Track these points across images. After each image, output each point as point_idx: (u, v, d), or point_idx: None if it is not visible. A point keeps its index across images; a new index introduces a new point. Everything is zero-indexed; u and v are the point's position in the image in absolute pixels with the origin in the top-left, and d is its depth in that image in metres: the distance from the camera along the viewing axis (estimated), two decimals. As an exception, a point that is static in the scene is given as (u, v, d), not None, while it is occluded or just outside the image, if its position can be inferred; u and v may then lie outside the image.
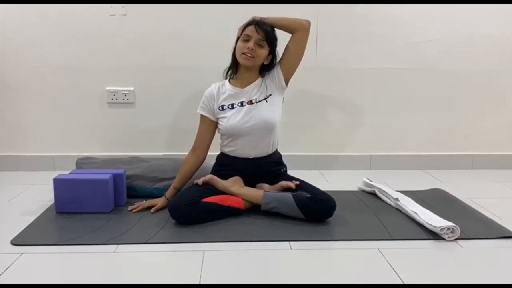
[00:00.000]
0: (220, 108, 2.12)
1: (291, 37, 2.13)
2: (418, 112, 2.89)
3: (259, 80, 2.15)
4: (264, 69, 2.16)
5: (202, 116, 2.17)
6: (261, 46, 2.05)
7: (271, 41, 2.08)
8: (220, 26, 2.67)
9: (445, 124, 2.92)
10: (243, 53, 2.04)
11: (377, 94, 2.86)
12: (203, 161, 2.18)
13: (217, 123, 2.16)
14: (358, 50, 2.80)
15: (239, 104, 2.11)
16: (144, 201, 2.12)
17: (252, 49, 2.03)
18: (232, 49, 2.14)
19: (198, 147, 2.17)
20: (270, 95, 2.13)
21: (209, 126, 2.16)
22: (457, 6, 2.74)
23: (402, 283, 1.45)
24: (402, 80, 2.84)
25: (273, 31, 2.09)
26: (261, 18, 2.09)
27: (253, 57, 2.05)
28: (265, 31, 2.04)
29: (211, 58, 2.57)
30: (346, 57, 2.79)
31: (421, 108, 2.88)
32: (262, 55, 2.07)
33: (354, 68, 2.81)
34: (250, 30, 2.04)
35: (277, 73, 2.15)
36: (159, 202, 2.08)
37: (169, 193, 2.10)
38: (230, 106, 2.11)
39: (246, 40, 2.05)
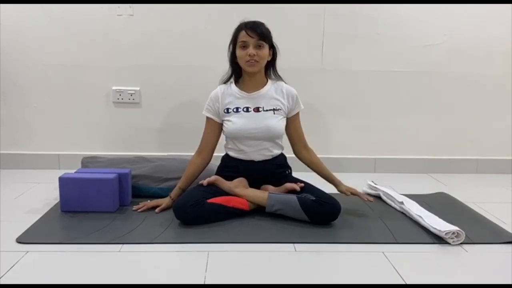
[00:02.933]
0: (225, 110, 2.12)
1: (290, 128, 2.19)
2: (423, 116, 2.89)
3: (269, 86, 2.14)
4: (269, 66, 2.15)
5: (207, 118, 2.16)
6: (260, 47, 2.03)
7: (267, 38, 2.05)
8: (226, 27, 2.66)
9: (450, 128, 2.91)
10: (247, 61, 2.03)
11: (382, 96, 2.86)
12: (208, 163, 2.18)
13: (222, 124, 2.16)
14: (364, 53, 2.80)
15: (244, 110, 2.10)
16: (149, 200, 2.13)
17: (254, 54, 2.02)
18: (229, 57, 2.13)
19: (203, 149, 2.16)
20: (280, 109, 2.12)
21: (214, 128, 2.16)
22: (463, 10, 2.75)
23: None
24: (408, 83, 2.84)
25: (264, 25, 2.06)
26: None
27: (258, 61, 2.04)
28: (257, 31, 2.01)
29: (217, 59, 2.56)
30: (352, 60, 2.79)
31: (426, 111, 2.88)
32: (264, 55, 2.05)
33: (359, 71, 2.81)
34: (244, 35, 2.02)
35: (291, 110, 2.15)
36: (164, 202, 2.09)
37: (174, 193, 2.11)
38: (235, 110, 2.11)
39: (244, 47, 2.02)
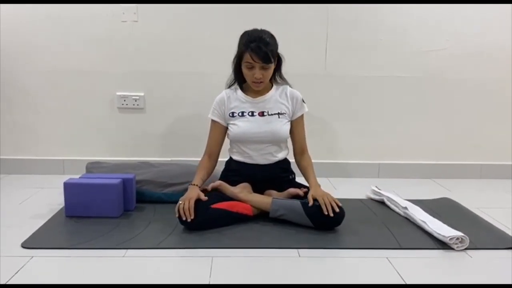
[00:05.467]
0: (231, 114, 2.13)
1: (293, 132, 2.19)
2: (427, 121, 2.89)
3: (273, 91, 2.15)
4: (274, 72, 2.14)
5: (213, 121, 2.17)
6: (266, 68, 2.02)
7: (273, 58, 2.03)
8: (230, 32, 2.68)
9: (454, 133, 2.91)
10: (253, 81, 2.05)
11: (385, 102, 2.86)
12: (216, 165, 2.19)
13: (227, 128, 2.16)
14: (367, 59, 2.80)
15: (250, 114, 2.12)
16: (180, 202, 1.90)
17: (261, 77, 2.02)
18: (233, 67, 2.12)
19: (212, 152, 2.17)
20: (284, 113, 2.14)
21: (220, 131, 2.17)
22: (466, 15, 2.75)
23: (411, 292, 1.45)
24: (411, 89, 2.84)
25: (270, 43, 2.00)
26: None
27: (263, 82, 2.06)
28: (262, 56, 1.97)
29: (221, 64, 2.57)
30: (355, 65, 2.79)
31: (430, 116, 2.88)
32: (270, 73, 2.06)
33: (363, 76, 2.82)
34: (250, 58, 1.98)
35: (294, 112, 2.16)
36: (196, 193, 1.93)
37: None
38: (240, 114, 2.12)
39: (250, 68, 2.02)
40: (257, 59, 1.98)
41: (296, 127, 2.19)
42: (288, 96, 2.16)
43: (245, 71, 2.05)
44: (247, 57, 2.00)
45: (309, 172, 2.13)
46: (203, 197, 1.93)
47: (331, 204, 1.89)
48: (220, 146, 2.19)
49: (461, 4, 2.73)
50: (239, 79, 2.14)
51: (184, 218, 1.87)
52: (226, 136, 2.19)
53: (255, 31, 2.04)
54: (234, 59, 2.10)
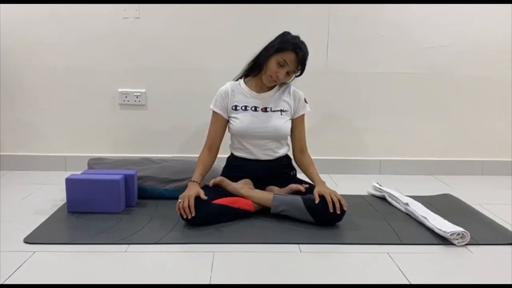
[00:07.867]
0: (234, 107, 2.13)
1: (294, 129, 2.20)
2: (429, 117, 2.89)
3: (277, 89, 2.15)
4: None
5: (214, 113, 2.16)
6: (291, 74, 2.05)
7: (303, 68, 2.07)
8: (231, 29, 2.69)
9: (456, 129, 2.91)
10: (272, 78, 2.05)
11: (387, 98, 2.86)
12: (215, 158, 2.19)
13: (228, 121, 2.17)
14: (369, 55, 2.80)
15: (253, 109, 2.12)
16: (179, 200, 1.90)
17: (282, 79, 2.05)
18: (260, 53, 2.10)
19: (213, 145, 2.16)
20: (287, 110, 2.14)
21: (221, 124, 2.16)
22: (468, 12, 2.75)
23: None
24: (413, 85, 2.84)
25: (307, 57, 2.06)
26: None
27: (278, 82, 2.08)
28: (300, 63, 2.03)
29: (222, 61, 2.58)
30: (356, 62, 2.80)
31: (431, 113, 2.88)
32: (285, 80, 2.09)
33: (364, 73, 2.82)
34: (290, 58, 2.00)
35: (296, 111, 2.17)
36: (196, 191, 1.92)
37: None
38: (243, 108, 2.12)
39: (281, 66, 2.02)
40: (294, 63, 2.01)
41: (297, 126, 2.19)
42: (291, 95, 2.16)
43: (272, 64, 2.02)
44: (287, 55, 2.00)
45: (311, 170, 2.14)
46: (203, 195, 1.91)
47: (339, 202, 1.90)
48: (221, 139, 2.18)
49: (462, 3, 2.73)
50: (255, 68, 2.12)
51: (185, 217, 1.88)
52: (227, 130, 2.20)
53: (299, 39, 2.05)
54: (267, 47, 2.07)
